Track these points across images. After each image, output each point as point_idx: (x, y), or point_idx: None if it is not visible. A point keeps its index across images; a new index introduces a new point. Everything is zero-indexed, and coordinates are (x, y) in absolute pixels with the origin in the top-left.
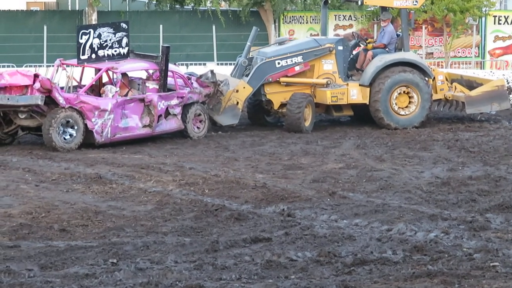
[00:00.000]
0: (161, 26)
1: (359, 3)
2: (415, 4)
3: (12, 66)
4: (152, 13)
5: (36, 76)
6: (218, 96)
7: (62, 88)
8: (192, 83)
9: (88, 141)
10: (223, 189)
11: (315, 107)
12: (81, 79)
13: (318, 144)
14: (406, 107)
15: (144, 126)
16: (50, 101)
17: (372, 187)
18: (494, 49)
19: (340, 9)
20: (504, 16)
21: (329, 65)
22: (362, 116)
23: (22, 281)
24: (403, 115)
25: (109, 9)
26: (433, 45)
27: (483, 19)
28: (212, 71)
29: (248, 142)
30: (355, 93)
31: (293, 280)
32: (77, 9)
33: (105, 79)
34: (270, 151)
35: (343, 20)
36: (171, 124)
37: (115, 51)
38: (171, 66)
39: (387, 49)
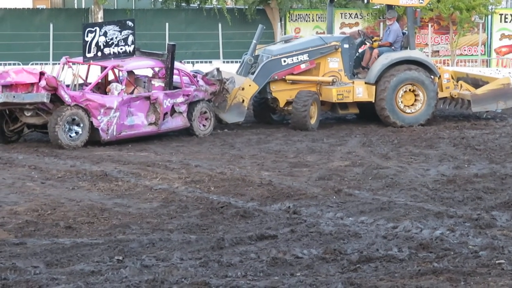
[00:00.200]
0: (167, 24)
1: (365, 1)
2: (421, 3)
3: (18, 64)
4: (158, 11)
5: (42, 74)
6: (224, 94)
7: (68, 86)
8: (198, 81)
9: (94, 139)
10: (228, 186)
11: (320, 105)
12: (87, 77)
13: (324, 141)
14: (412, 105)
15: (150, 124)
16: (56, 99)
17: (378, 184)
18: (500, 47)
19: (346, 7)
20: (510, 14)
21: (335, 63)
22: (368, 114)
23: (28, 278)
24: (409, 113)
25: (115, 7)
26: (439, 43)
27: (489, 17)
28: (218, 69)
29: (254, 139)
30: (361, 91)
31: (298, 277)
32: (83, 7)
33: (111, 77)
34: (276, 149)
35: (349, 18)
36: (177, 122)
37: (121, 49)
38: (177, 64)
39: (393, 47)
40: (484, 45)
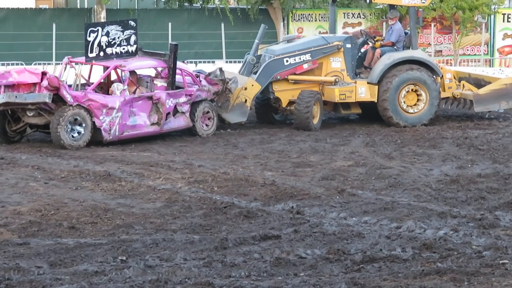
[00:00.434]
0: (169, 24)
1: (368, 1)
2: (423, 2)
3: (21, 64)
4: (160, 11)
5: (44, 74)
6: (227, 94)
7: (70, 86)
8: (200, 81)
9: (96, 139)
10: (232, 186)
11: (323, 105)
12: (89, 77)
13: (327, 141)
14: (415, 105)
15: (152, 124)
16: (58, 99)
17: (381, 184)
18: (503, 47)
19: (349, 7)
20: None
21: (337, 63)
22: (370, 114)
23: (32, 278)
24: (412, 113)
25: (118, 7)
26: (442, 43)
27: (492, 17)
28: (220, 69)
29: (257, 139)
30: (363, 91)
31: (302, 277)
32: (86, 7)
33: (113, 77)
34: (279, 149)
35: (352, 18)
36: (180, 122)
37: (123, 49)
38: (179, 64)
39: (395, 47)
40: (487, 45)
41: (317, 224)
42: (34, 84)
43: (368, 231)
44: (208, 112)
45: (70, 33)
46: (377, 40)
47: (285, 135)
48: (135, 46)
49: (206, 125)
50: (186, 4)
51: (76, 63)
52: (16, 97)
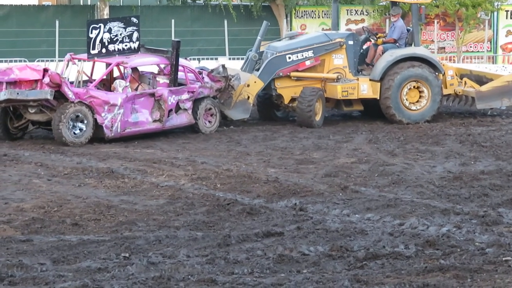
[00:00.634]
0: (172, 21)
1: None
2: None
3: (24, 61)
4: (163, 8)
5: (45, 70)
6: (229, 90)
7: (72, 82)
8: (203, 78)
9: (98, 136)
10: (235, 183)
11: (325, 102)
12: (92, 74)
13: (330, 138)
14: (417, 101)
15: (154, 121)
16: (60, 96)
17: (384, 181)
18: (506, 43)
19: (352, 4)
20: None
21: (339, 60)
22: (372, 111)
23: (35, 275)
24: (415, 110)
25: (121, 4)
26: (445, 40)
27: (495, 13)
28: (223, 66)
29: (260, 136)
30: (366, 88)
31: (305, 274)
32: (89, 3)
33: (116, 73)
34: (282, 146)
35: (355, 14)
36: (182, 119)
37: (126, 45)
38: (181, 61)
39: (397, 44)
40: (490, 42)
41: (320, 221)
42: (36, 81)
43: (371, 228)
44: (210, 109)
45: (73, 30)
46: (379, 37)
47: (288, 132)
48: (137, 42)
49: (209, 121)
50: (189, 1)
51: (79, 60)
52: (17, 94)
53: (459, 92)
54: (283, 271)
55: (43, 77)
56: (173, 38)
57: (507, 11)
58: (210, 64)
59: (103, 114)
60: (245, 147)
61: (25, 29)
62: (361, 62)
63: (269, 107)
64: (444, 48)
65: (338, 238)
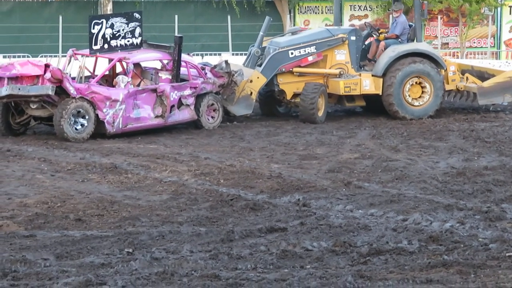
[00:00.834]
0: (176, 16)
1: None
2: None
3: (28, 57)
4: (167, 3)
5: (47, 66)
6: (232, 86)
7: (74, 78)
8: (206, 74)
9: (100, 132)
10: (238, 179)
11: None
12: (94, 70)
13: (333, 134)
14: (420, 97)
15: (157, 117)
16: (61, 91)
17: (388, 177)
18: (509, 39)
19: None
20: None
21: (342, 55)
22: (374, 106)
23: (38, 270)
24: (417, 106)
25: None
26: (449, 36)
27: (499, 9)
28: (226, 61)
29: (263, 132)
30: (368, 84)
31: (308, 270)
32: None
33: (119, 69)
34: (285, 141)
35: (358, 10)
36: (184, 115)
37: (128, 41)
38: (184, 56)
39: (399, 39)
40: (494, 38)
41: (323, 217)
42: (37, 76)
43: (374, 223)
44: (213, 104)
45: (76, 25)
46: (381, 33)
47: (291, 127)
48: (140, 38)
49: (212, 117)
50: None
51: (81, 55)
52: (19, 89)
53: (461, 88)
54: (286, 267)
55: (45, 72)
56: (176, 34)
57: (510, 6)
58: (213, 59)
59: (104, 110)
60: (249, 142)
61: (28, 24)
62: (363, 58)
63: (271, 103)
64: (447, 43)
65: (342, 233)
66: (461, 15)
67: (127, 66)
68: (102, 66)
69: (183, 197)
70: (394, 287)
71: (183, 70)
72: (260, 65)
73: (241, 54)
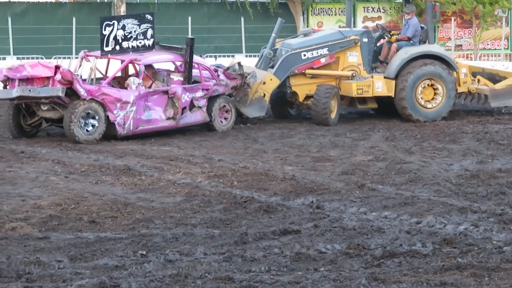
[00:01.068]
0: (189, 18)
1: None
2: None
3: (41, 58)
4: (180, 5)
5: (57, 67)
6: (245, 88)
7: (84, 80)
8: (218, 75)
9: (111, 133)
10: (252, 181)
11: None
12: (106, 71)
13: (346, 136)
14: (432, 99)
15: (168, 119)
16: (72, 93)
17: (401, 179)
18: None
19: (369, 1)
20: None
21: (354, 57)
22: (386, 108)
23: (52, 272)
24: (431, 108)
25: (138, 1)
26: (462, 37)
27: None
28: (239, 63)
29: (277, 134)
30: (380, 86)
31: (322, 272)
32: (105, 1)
33: (132, 71)
34: (299, 143)
35: (371, 12)
36: (196, 117)
37: (140, 42)
38: (196, 58)
39: (411, 41)
40: (507, 39)
41: (337, 219)
42: (48, 78)
43: (388, 226)
44: (225, 106)
45: (90, 27)
46: (392, 35)
47: (305, 129)
48: (152, 40)
49: (225, 118)
50: None
51: (95, 57)
52: (29, 91)
53: (473, 90)
54: (300, 269)
55: (55, 74)
56: (189, 36)
57: None
58: (226, 61)
59: (115, 112)
60: (262, 144)
61: (42, 26)
62: (374, 60)
63: (282, 105)
64: (461, 45)
65: (355, 236)
66: (475, 17)
67: (138, 67)
68: (115, 67)
69: (196, 199)
70: None
71: (195, 72)
72: (272, 67)
73: (254, 56)
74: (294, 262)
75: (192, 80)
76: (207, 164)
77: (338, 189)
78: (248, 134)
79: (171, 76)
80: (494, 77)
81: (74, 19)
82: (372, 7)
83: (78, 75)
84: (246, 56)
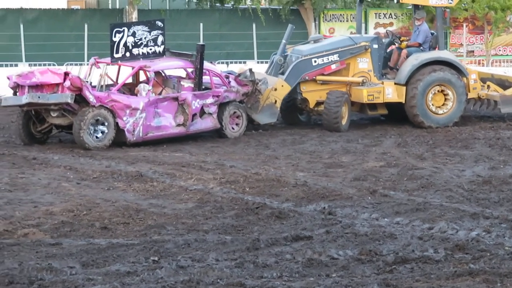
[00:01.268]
0: (201, 24)
1: (395, 1)
2: (450, 3)
3: (53, 65)
4: (192, 12)
5: (66, 74)
6: (257, 95)
7: (94, 86)
8: (229, 82)
9: (120, 140)
10: (263, 187)
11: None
12: (117, 78)
13: (358, 142)
14: (443, 105)
15: (178, 125)
16: (81, 100)
17: (413, 185)
18: None
19: (380, 7)
20: None
21: (364, 64)
22: (397, 115)
23: (64, 278)
24: (442, 114)
25: (149, 8)
26: (474, 43)
27: None
28: (250, 70)
29: (289, 140)
30: (391, 92)
31: (334, 278)
32: (117, 7)
33: (142, 77)
34: (311, 149)
35: (383, 18)
36: (207, 123)
37: (150, 49)
38: (207, 65)
39: (421, 47)
40: None
41: (349, 225)
42: (57, 84)
43: (400, 232)
44: (235, 113)
45: (101, 33)
46: (402, 41)
47: (317, 135)
48: (162, 46)
49: (236, 124)
50: (217, 4)
51: (107, 64)
52: (39, 97)
53: (483, 96)
54: (312, 275)
55: (64, 80)
56: (201, 42)
57: None
58: (238, 68)
59: (124, 118)
60: (274, 150)
61: (54, 33)
62: (385, 66)
63: (292, 111)
64: (473, 51)
65: (367, 242)
66: (487, 23)
67: (148, 74)
68: (125, 74)
69: (208, 205)
70: None
71: (205, 78)
72: (282, 73)
73: (266, 62)
74: (306, 268)
75: (203, 86)
76: (219, 170)
77: (350, 195)
78: (260, 140)
79: (182, 83)
80: (503, 83)
81: (86, 25)
82: (383, 13)
83: (87, 81)
84: (258, 62)
